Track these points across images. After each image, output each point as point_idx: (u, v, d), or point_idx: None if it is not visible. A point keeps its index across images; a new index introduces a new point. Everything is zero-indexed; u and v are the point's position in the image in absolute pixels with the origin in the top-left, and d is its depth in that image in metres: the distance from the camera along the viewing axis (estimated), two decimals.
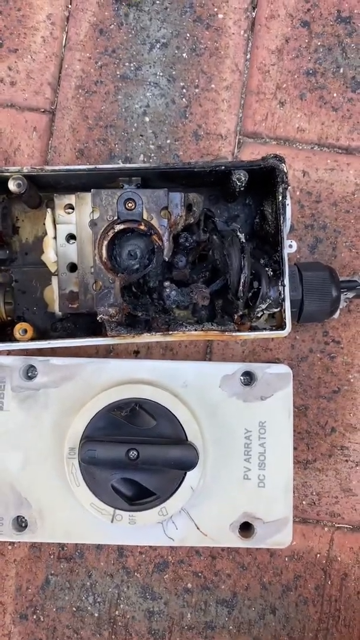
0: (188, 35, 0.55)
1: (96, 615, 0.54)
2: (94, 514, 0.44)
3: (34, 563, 0.54)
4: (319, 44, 0.55)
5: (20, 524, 0.47)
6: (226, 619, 0.54)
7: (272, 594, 0.54)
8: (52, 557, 0.54)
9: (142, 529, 0.45)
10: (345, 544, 0.54)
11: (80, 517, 0.45)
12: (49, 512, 0.46)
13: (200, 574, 0.54)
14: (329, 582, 0.54)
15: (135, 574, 0.54)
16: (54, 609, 0.54)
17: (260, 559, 0.54)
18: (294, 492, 0.53)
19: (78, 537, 0.46)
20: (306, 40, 0.55)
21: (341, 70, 0.55)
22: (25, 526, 0.46)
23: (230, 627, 0.54)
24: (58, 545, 0.54)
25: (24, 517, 0.46)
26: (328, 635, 0.54)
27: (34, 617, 0.54)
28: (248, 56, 0.55)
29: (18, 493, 0.46)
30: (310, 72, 0.55)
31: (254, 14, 0.55)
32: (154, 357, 0.55)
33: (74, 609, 0.54)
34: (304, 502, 0.54)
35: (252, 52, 0.55)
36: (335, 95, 0.55)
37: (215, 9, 0.55)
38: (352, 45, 0.55)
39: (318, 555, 0.54)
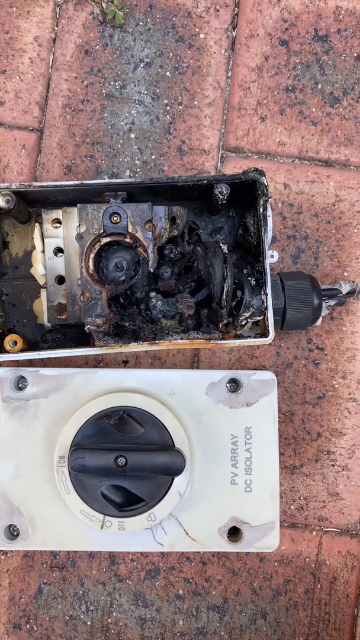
0: (171, 54, 0.57)
1: (89, 623, 0.54)
2: (84, 520, 0.45)
3: (27, 572, 0.55)
4: (297, 61, 0.57)
5: (12, 532, 0.47)
6: (218, 624, 0.55)
7: (263, 599, 0.55)
8: (44, 566, 0.55)
9: (131, 535, 0.46)
10: (333, 547, 0.55)
11: (70, 524, 0.46)
12: (40, 520, 0.47)
13: (191, 580, 0.55)
14: (319, 586, 0.55)
15: (127, 581, 0.55)
16: (47, 618, 0.54)
17: (250, 564, 0.55)
18: (281, 497, 0.54)
19: (69, 545, 0.47)
20: (285, 58, 0.57)
21: (319, 86, 0.57)
22: (17, 535, 0.47)
23: (222, 633, 0.55)
24: (50, 554, 0.55)
25: (15, 526, 0.47)
26: (319, 639, 0.54)
27: (27, 626, 0.54)
28: (229, 74, 0.57)
29: (10, 502, 0.47)
30: (290, 88, 0.57)
31: (234, 33, 0.57)
32: (143, 366, 0.56)
33: (67, 617, 0.55)
34: (292, 507, 0.55)
35: (233, 70, 0.57)
36: (314, 110, 0.57)
37: (197, 29, 0.57)
38: (329, 62, 0.57)
39: (307, 559, 0.55)
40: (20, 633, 0.54)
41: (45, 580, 0.55)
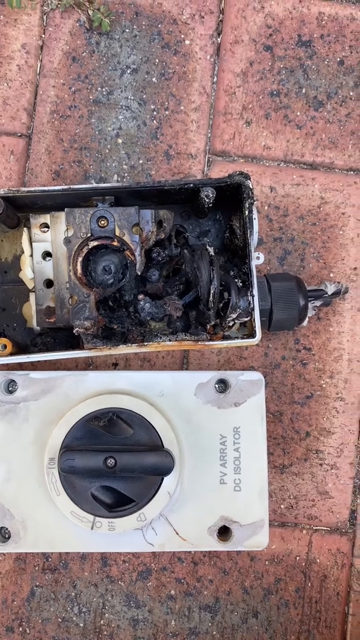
0: (157, 60, 0.58)
1: (81, 625, 0.55)
2: (75, 521, 0.45)
3: (19, 575, 0.55)
4: (281, 66, 0.58)
5: (4, 535, 0.47)
6: (210, 624, 0.55)
7: (254, 598, 0.55)
8: (36, 568, 0.55)
9: (122, 535, 0.46)
10: (323, 546, 0.56)
11: (61, 525, 0.46)
12: (32, 522, 0.47)
13: (183, 580, 0.55)
14: (309, 584, 0.55)
15: (119, 582, 0.55)
16: (40, 621, 0.55)
17: (241, 563, 0.55)
18: (271, 496, 0.55)
19: (60, 546, 0.47)
20: (269, 63, 0.58)
21: (303, 91, 0.58)
22: (9, 537, 0.47)
23: (214, 633, 0.55)
24: (43, 557, 0.55)
25: (7, 529, 0.47)
26: (310, 637, 0.55)
27: (20, 629, 0.55)
28: (215, 79, 0.58)
29: (1, 504, 0.47)
30: (274, 92, 0.58)
31: (219, 39, 0.58)
32: (132, 368, 0.57)
33: (60, 619, 0.55)
34: (282, 506, 0.56)
35: (218, 75, 0.58)
36: (298, 114, 0.58)
37: (182, 36, 0.58)
38: (313, 67, 0.58)
39: (297, 558, 0.56)
40: (13, 636, 0.54)
41: (37, 583, 0.55)
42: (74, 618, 0.55)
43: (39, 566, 0.55)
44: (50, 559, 0.55)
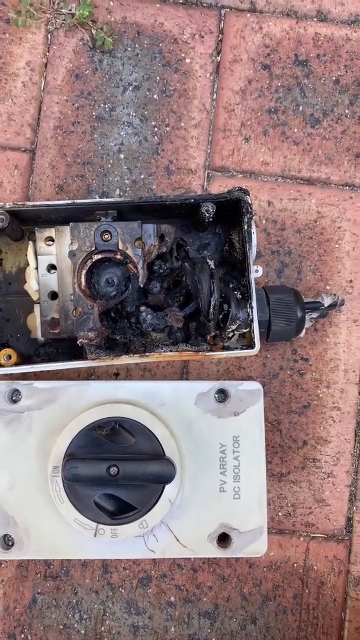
0: (158, 78, 0.59)
1: (82, 632, 0.55)
2: (78, 529, 0.46)
3: (21, 582, 0.56)
4: (279, 84, 0.60)
5: (7, 542, 0.48)
6: (209, 630, 0.56)
7: (253, 605, 0.56)
8: (38, 575, 0.56)
9: (124, 542, 0.47)
10: (320, 553, 0.57)
11: (64, 533, 0.47)
12: (35, 529, 0.48)
13: (182, 587, 0.56)
14: (307, 591, 0.56)
15: (120, 589, 0.56)
16: (42, 628, 0.55)
17: (239, 570, 0.56)
18: (269, 504, 0.56)
19: (63, 553, 0.48)
20: (267, 82, 0.60)
21: (300, 108, 0.60)
22: (12, 545, 0.48)
23: (213, 639, 0.56)
24: (44, 564, 0.56)
25: (10, 536, 0.48)
26: None
27: (22, 636, 0.55)
28: (214, 96, 0.60)
29: (4, 512, 0.48)
30: (272, 110, 0.60)
31: (218, 58, 0.60)
32: (134, 378, 0.58)
33: (61, 626, 0.55)
34: (279, 514, 0.57)
35: (217, 92, 0.60)
36: (296, 130, 0.59)
37: (183, 54, 0.59)
38: (310, 85, 0.60)
39: (295, 564, 0.57)
40: None
41: (39, 590, 0.56)
42: (75, 625, 0.55)
43: (41, 573, 0.56)
44: (52, 566, 0.56)
